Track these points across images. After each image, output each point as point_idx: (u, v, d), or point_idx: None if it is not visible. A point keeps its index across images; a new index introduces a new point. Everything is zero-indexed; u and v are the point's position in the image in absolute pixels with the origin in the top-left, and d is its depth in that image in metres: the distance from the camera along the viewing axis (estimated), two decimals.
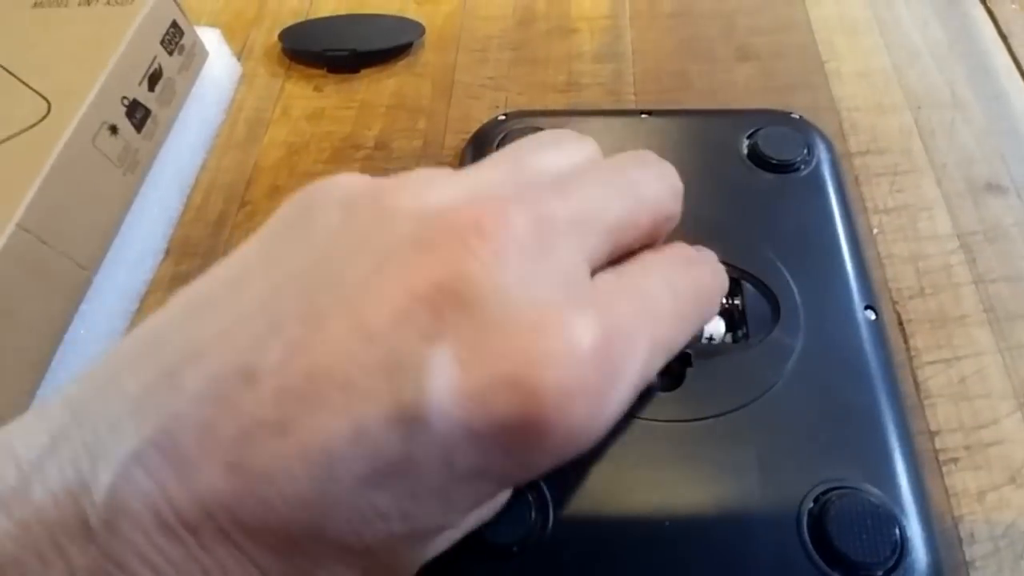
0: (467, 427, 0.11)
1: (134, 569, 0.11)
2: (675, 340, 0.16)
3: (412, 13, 0.35)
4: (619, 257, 0.16)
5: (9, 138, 0.22)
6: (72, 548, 0.11)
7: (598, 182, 0.15)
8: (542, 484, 0.19)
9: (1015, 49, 0.31)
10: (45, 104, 0.23)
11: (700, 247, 0.18)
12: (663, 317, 0.15)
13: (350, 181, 0.14)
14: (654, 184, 0.17)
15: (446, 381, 0.11)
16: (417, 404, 0.11)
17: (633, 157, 0.17)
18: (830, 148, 0.26)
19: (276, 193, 0.29)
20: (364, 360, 0.11)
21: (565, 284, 0.13)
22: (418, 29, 0.34)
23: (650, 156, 0.18)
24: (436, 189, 0.14)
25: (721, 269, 0.19)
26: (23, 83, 0.24)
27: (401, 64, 0.33)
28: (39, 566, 0.10)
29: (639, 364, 0.13)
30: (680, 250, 0.17)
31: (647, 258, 0.16)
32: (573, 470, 0.19)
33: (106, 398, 0.12)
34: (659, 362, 0.15)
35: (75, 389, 0.13)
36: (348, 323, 0.12)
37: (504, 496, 0.16)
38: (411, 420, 0.11)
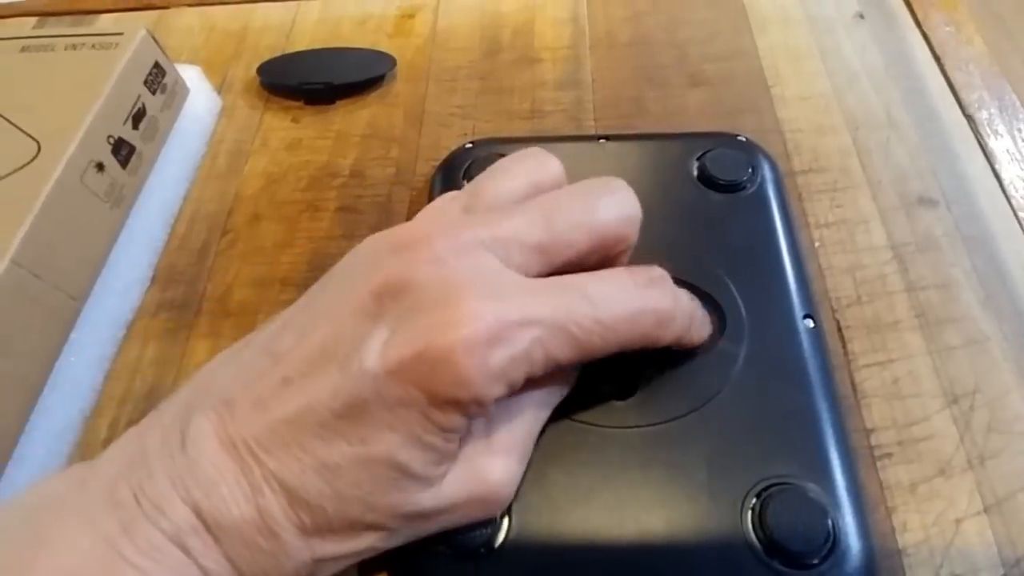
0: (391, 372, 0.16)
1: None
2: (579, 341, 0.17)
3: (384, 46, 0.36)
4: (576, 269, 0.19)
5: (2, 178, 0.24)
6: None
7: (529, 210, 0.19)
8: None
9: (948, 70, 0.33)
10: (35, 145, 0.25)
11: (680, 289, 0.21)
12: (564, 315, 0.17)
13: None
14: (602, 210, 0.19)
15: (380, 344, 0.17)
16: (361, 360, 0.16)
17: (594, 184, 0.20)
18: (774, 168, 0.28)
19: (257, 221, 0.31)
20: (336, 338, 0.17)
21: (476, 279, 0.17)
22: (390, 61, 0.35)
23: (612, 183, 0.20)
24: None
25: (677, 299, 0.20)
26: (14, 125, 0.25)
27: (374, 95, 0.35)
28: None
29: (524, 344, 0.17)
30: (635, 272, 0.19)
31: (594, 272, 0.19)
32: (534, 476, 0.20)
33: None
34: (558, 350, 0.17)
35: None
36: (327, 318, 0.18)
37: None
38: (359, 372, 0.16)
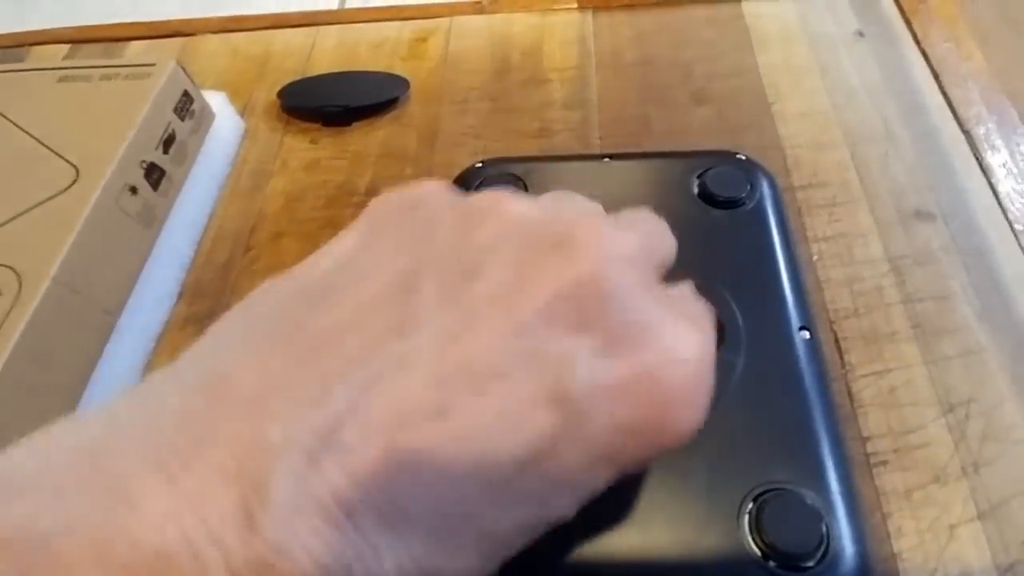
0: (611, 413, 0.13)
1: (295, 556, 0.11)
2: None
3: (398, 69, 0.38)
4: None
5: (44, 201, 0.26)
6: (232, 539, 0.11)
7: (646, 222, 0.18)
8: None
9: (946, 87, 0.34)
10: (74, 170, 0.27)
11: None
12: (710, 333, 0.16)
13: (441, 189, 0.17)
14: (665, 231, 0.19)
15: (593, 372, 0.13)
16: (568, 391, 0.13)
17: (642, 213, 0.19)
18: (772, 184, 0.29)
19: (278, 238, 0.32)
20: (516, 351, 0.13)
21: (660, 298, 0.15)
22: (404, 84, 0.37)
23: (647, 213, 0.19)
24: (533, 204, 0.16)
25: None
26: (54, 152, 0.27)
27: (389, 116, 0.36)
28: (190, 559, 0.11)
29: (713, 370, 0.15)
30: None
31: (675, 287, 0.18)
32: None
33: (250, 388, 0.12)
34: None
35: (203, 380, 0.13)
36: (498, 317, 0.13)
37: None
38: (563, 405, 0.13)
